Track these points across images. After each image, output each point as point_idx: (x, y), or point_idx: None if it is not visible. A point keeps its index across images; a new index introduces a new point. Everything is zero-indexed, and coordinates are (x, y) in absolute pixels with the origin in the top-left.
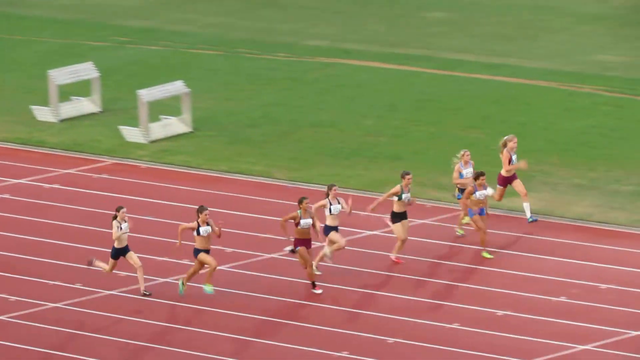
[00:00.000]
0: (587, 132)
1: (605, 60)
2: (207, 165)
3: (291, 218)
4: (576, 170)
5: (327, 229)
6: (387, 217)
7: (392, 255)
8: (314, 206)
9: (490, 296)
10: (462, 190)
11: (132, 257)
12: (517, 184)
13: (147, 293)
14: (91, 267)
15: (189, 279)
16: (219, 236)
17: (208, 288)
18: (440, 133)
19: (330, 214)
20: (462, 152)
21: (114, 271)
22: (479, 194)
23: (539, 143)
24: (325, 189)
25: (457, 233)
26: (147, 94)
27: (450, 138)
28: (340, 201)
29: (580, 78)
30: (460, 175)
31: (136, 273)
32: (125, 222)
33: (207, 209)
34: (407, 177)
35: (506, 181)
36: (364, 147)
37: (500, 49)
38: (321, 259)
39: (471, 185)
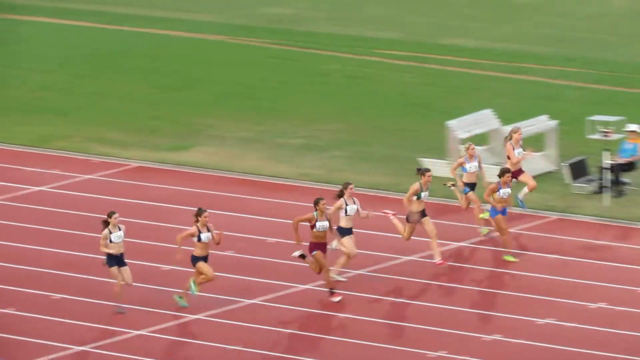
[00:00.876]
0: (254, 86)
1: (272, 13)
2: None
3: (306, 220)
4: (244, 123)
5: (341, 231)
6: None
7: (437, 259)
8: (331, 209)
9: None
10: (467, 185)
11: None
12: (525, 177)
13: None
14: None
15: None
16: (217, 243)
17: (194, 287)
18: (107, 88)
19: (346, 215)
20: (467, 145)
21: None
22: (503, 192)
23: (207, 97)
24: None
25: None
26: None
27: (117, 93)
28: (356, 201)
29: (248, 31)
30: (464, 169)
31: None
32: (120, 229)
33: (206, 211)
34: (427, 174)
35: (512, 176)
36: (31, 103)
37: (165, 2)
38: (343, 265)
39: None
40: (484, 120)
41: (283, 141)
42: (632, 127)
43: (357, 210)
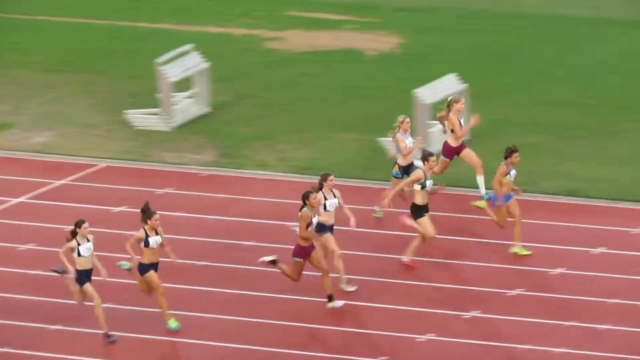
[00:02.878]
0: None
1: None
2: None
3: (306, 224)
4: None
5: (321, 229)
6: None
7: (405, 258)
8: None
9: None
10: (402, 168)
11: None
12: (468, 155)
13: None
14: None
15: (164, 312)
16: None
17: (173, 324)
18: None
19: (325, 211)
20: (401, 119)
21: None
22: (513, 173)
23: None
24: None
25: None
26: None
27: None
28: (337, 194)
29: None
30: (398, 150)
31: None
32: (89, 240)
33: (156, 214)
34: (431, 159)
35: (453, 152)
36: None
37: None
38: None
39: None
40: None
41: None
42: None
43: (339, 204)
